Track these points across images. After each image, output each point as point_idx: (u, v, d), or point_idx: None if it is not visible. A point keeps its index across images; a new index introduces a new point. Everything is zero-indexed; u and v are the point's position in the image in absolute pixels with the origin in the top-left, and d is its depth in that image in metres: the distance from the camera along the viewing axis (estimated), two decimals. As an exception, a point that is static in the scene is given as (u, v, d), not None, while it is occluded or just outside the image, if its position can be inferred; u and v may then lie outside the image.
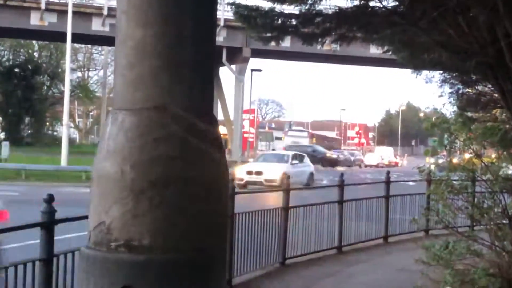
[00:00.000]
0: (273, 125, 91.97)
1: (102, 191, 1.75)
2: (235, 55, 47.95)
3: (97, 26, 45.02)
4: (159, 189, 1.71)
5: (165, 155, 1.74)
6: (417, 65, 10.96)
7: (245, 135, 59.26)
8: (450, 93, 12.58)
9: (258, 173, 34.37)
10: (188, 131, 1.78)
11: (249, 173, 34.74)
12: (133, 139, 1.76)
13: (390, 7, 8.72)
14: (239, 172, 34.83)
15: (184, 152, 1.76)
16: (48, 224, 6.59)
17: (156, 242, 1.68)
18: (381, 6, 8.71)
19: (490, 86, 11.02)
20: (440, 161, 12.49)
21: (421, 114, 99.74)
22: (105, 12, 44.15)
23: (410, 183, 22.85)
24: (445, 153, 12.50)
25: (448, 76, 12.08)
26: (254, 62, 53.77)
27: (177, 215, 1.71)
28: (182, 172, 1.74)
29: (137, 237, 1.68)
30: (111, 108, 1.88)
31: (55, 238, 6.82)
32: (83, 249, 1.76)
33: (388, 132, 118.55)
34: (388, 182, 17.08)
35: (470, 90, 12.43)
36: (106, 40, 45.89)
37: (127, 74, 1.83)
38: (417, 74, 12.60)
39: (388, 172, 17.92)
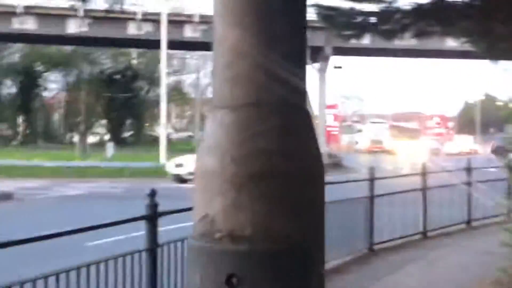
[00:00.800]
0: (355, 119, 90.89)
1: (204, 185, 1.73)
2: (317, 54, 47.74)
3: (189, 32, 45.53)
4: (259, 182, 1.68)
5: (263, 149, 1.71)
6: (496, 55, 10.64)
7: (329, 128, 58.96)
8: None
9: (179, 165, 31.72)
10: (284, 126, 1.74)
11: (176, 165, 32.16)
12: (232, 135, 1.74)
13: (465, 1, 8.51)
14: (170, 165, 32.57)
15: (281, 146, 1.73)
16: (152, 217, 6.69)
17: (257, 233, 1.66)
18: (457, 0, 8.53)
19: None
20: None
21: (499, 103, 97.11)
22: (196, 19, 44.62)
23: (491, 169, 22.31)
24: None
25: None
26: (335, 60, 53.41)
27: (276, 207, 1.67)
28: (280, 165, 1.70)
29: (239, 228, 1.66)
30: (210, 106, 1.87)
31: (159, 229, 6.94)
32: (190, 240, 1.75)
33: (467, 121, 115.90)
34: (469, 169, 16.72)
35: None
36: (198, 46, 46.42)
37: (224, 73, 1.81)
38: (495, 64, 12.25)
39: (469, 159, 17.55)
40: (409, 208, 14.83)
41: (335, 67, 56.28)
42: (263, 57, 1.77)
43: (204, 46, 44.22)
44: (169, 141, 53.30)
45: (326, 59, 50.42)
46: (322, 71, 52.02)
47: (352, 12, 9.39)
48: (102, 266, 5.83)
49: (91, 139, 70.47)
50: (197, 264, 1.67)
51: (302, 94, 1.83)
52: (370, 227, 13.23)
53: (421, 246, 13.98)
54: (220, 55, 1.84)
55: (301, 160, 1.72)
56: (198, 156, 1.76)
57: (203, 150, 1.78)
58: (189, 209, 7.28)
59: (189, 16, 46.80)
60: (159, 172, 34.08)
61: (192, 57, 69.95)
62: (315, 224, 1.75)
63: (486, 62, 13.08)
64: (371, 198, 13.36)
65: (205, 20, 41.67)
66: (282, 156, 1.71)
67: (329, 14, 9.45)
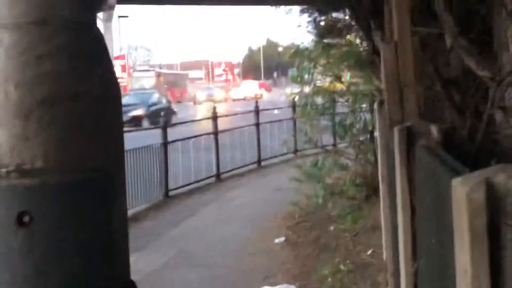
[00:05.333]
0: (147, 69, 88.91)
1: (-15, 116, 1.53)
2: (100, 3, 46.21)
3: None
4: (48, 108, 1.51)
5: (50, 71, 1.53)
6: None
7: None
8: (308, 22, 12.63)
9: None
10: (72, 46, 1.58)
11: None
12: (14, 57, 1.54)
13: None
14: None
15: (70, 67, 1.56)
16: None
17: (50, 164, 1.49)
18: None
19: (344, 12, 11.13)
20: (305, 88, 12.69)
21: (280, 49, 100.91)
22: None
23: (276, 111, 23.23)
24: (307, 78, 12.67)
25: (305, 7, 12.10)
26: (120, 9, 52.20)
27: (70, 134, 1.51)
28: (70, 88, 1.54)
29: (29, 160, 1.49)
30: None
31: None
32: (-29, 179, 1.55)
33: (252, 67, 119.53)
34: (257, 111, 17.29)
35: (326, 18, 12.52)
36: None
37: (0, -13, 1.60)
38: (276, 7, 12.57)
39: (257, 102, 18.16)
40: (202, 152, 15.10)
41: (121, 17, 55.17)
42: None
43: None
44: None
45: (110, 8, 49.20)
46: (107, 21, 50.79)
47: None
48: None
49: None
50: (-18, 206, 1.48)
51: (91, 11, 1.67)
52: (165, 174, 13.30)
53: (216, 189, 14.32)
54: (-8, -34, 1.62)
55: (93, 82, 1.57)
56: (-25, 84, 1.54)
57: (-19, 76, 1.56)
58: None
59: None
60: None
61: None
62: (114, 151, 1.62)
63: (268, 8, 13.32)
64: (165, 144, 13.40)
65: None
66: (71, 78, 1.54)
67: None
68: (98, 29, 1.69)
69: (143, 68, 78.22)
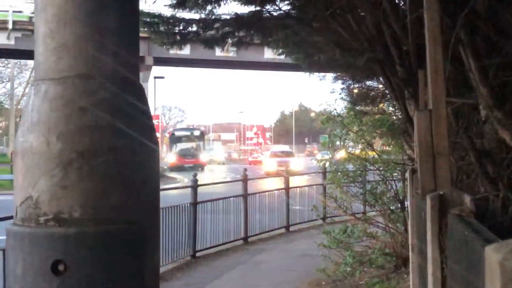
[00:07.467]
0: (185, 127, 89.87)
1: (27, 165, 1.57)
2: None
3: (1, 39, 43.19)
4: (88, 159, 1.55)
5: (92, 124, 1.58)
6: (311, 64, 11.00)
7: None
8: (342, 89, 12.73)
9: None
10: (114, 100, 1.62)
11: None
12: (58, 109, 1.59)
13: (283, 11, 8.70)
14: None
15: (111, 121, 1.60)
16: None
17: (87, 214, 1.52)
18: (276, 8, 8.69)
19: (378, 81, 11.21)
20: (336, 155, 12.70)
21: (312, 114, 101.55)
22: (9, 26, 42.47)
23: (306, 176, 23.20)
24: (338, 144, 12.71)
25: (339, 74, 12.20)
26: (156, 70, 53.10)
27: (107, 186, 1.55)
28: (110, 141, 1.58)
29: (67, 210, 1.52)
30: (33, 79, 1.70)
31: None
32: (10, 226, 1.58)
33: (283, 131, 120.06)
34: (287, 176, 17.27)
35: (360, 85, 12.62)
36: (11, 53, 44.40)
37: (48, 42, 1.65)
38: (310, 74, 12.69)
39: (287, 168, 18.17)
40: (231, 214, 15.05)
41: (157, 77, 56.06)
42: (92, 25, 1.64)
43: (18, 53, 42.28)
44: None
45: (147, 69, 50.13)
46: (143, 81, 51.67)
47: (174, 20, 9.34)
48: None
49: None
50: (19, 253, 1.50)
51: (134, 67, 1.72)
52: (194, 234, 13.26)
53: (243, 251, 14.22)
54: (43, 22, 1.67)
55: (133, 136, 1.61)
56: (19, 133, 1.59)
57: (25, 126, 1.60)
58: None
59: (2, 22, 44.53)
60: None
61: (6, 66, 66.77)
62: (149, 204, 1.65)
63: (301, 74, 13.51)
64: (195, 204, 13.40)
65: (19, 27, 40.03)
66: (112, 132, 1.58)
67: (151, 21, 9.34)
68: (140, 85, 1.74)
69: (182, 126, 78.90)
